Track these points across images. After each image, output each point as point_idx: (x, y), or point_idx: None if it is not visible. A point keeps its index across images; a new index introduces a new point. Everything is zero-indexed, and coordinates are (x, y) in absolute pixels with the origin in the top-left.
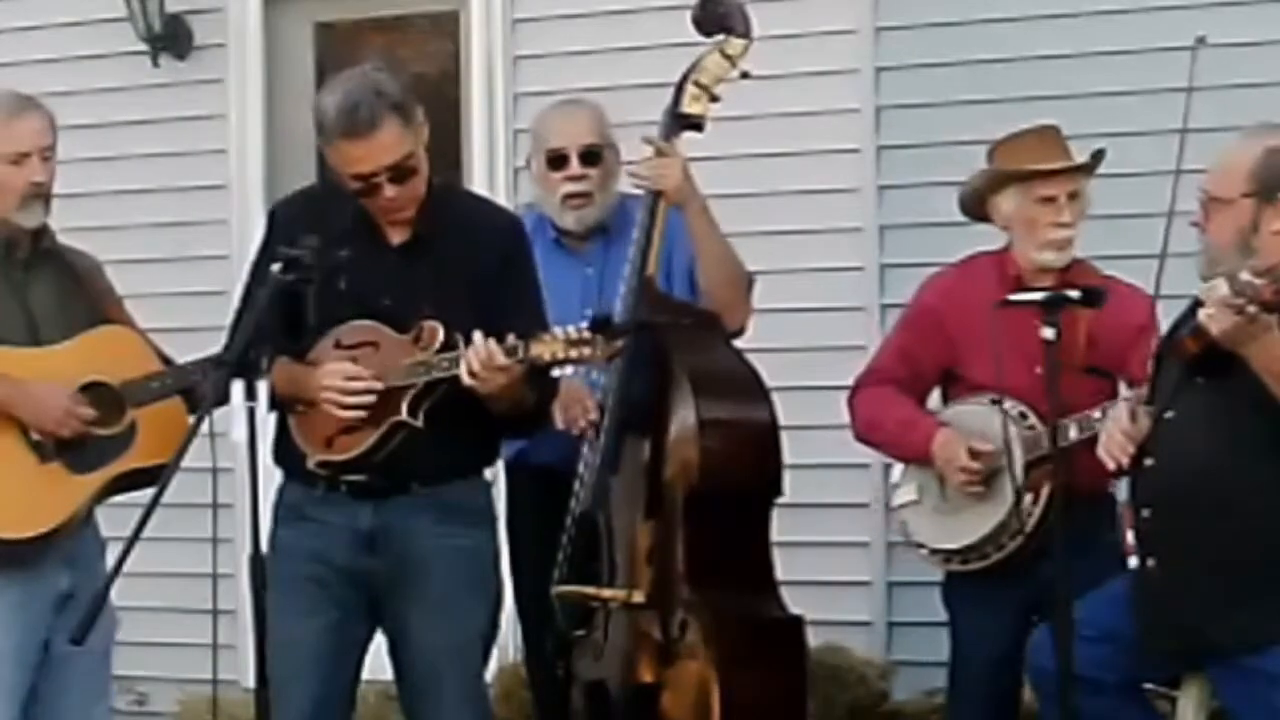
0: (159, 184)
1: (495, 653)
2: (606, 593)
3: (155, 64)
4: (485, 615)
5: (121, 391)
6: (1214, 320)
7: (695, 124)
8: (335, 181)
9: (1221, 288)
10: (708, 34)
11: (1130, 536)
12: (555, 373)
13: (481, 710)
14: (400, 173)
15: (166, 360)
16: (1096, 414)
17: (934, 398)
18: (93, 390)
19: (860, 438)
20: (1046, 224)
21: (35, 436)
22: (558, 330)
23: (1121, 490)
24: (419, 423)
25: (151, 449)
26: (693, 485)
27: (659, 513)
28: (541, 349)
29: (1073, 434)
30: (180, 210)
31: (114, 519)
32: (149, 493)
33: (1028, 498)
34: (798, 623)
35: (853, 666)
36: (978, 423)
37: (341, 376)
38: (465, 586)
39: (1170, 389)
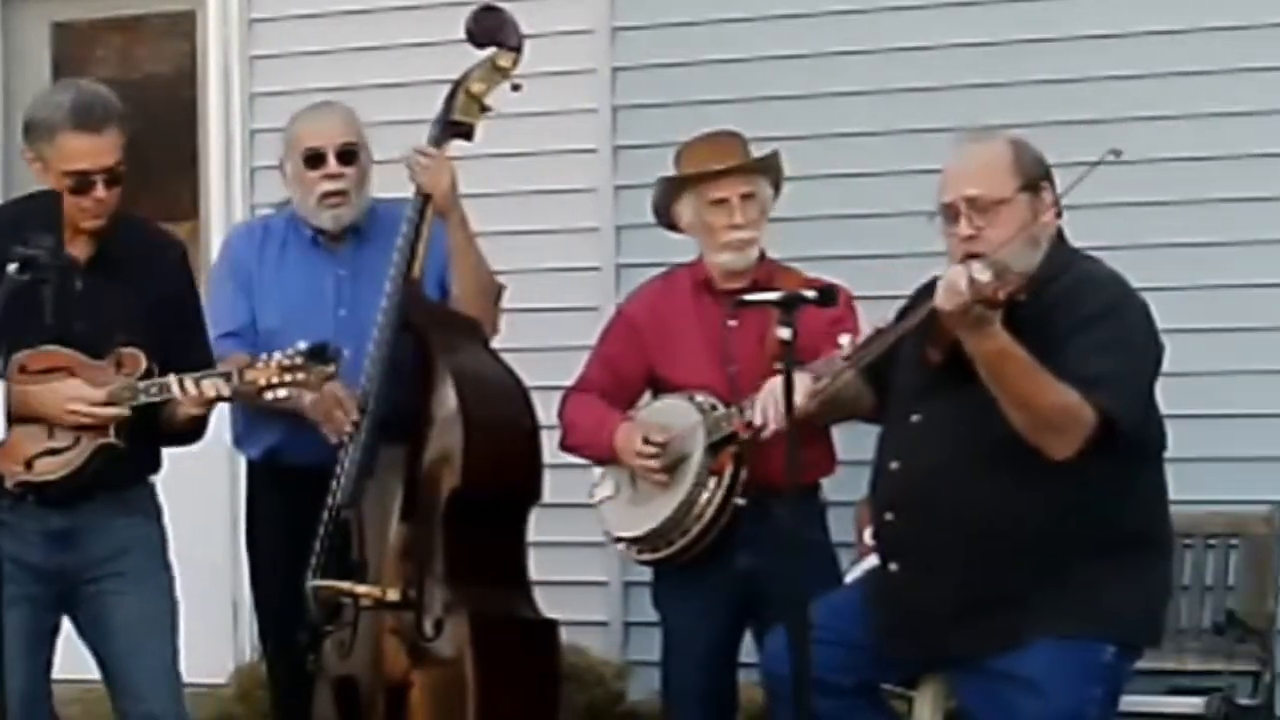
0: None
1: (232, 652)
2: (361, 589)
3: None
4: (170, 596)
5: None
6: (943, 298)
7: (465, 132)
8: (23, 203)
9: (961, 278)
10: (480, 45)
11: (868, 536)
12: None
13: (178, 679)
14: (114, 177)
15: None
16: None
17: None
18: None
19: (562, 445)
20: (722, 227)
21: None
22: (275, 356)
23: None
24: (123, 444)
25: None
26: (455, 487)
27: (418, 512)
28: (256, 375)
29: (748, 414)
30: None
31: None
32: None
33: (711, 480)
34: (552, 626)
35: (590, 666)
36: (667, 415)
37: (86, 398)
38: (152, 568)
39: (915, 393)
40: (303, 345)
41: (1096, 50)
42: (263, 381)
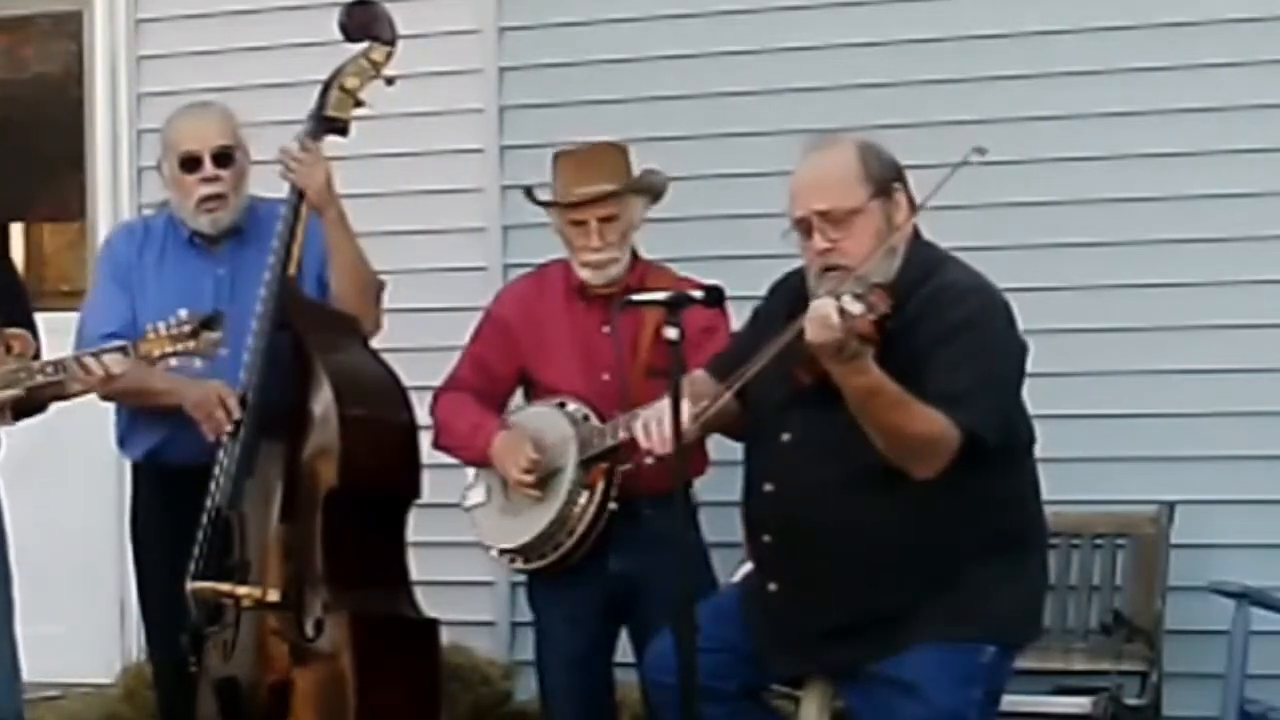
0: None
1: (119, 653)
2: (241, 590)
3: None
4: (8, 591)
5: None
6: (815, 331)
7: (340, 128)
8: None
9: (831, 311)
10: (354, 40)
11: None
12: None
13: (17, 677)
14: None
15: None
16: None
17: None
18: None
19: (436, 444)
20: (579, 246)
21: None
22: (160, 327)
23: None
24: (12, 423)
25: None
26: (333, 486)
27: (297, 512)
28: (149, 347)
29: (622, 434)
30: None
31: None
32: None
33: (584, 494)
34: (433, 625)
35: (476, 666)
36: (540, 424)
37: None
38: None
39: (782, 410)
40: (183, 313)
41: (985, 51)
42: (156, 352)
